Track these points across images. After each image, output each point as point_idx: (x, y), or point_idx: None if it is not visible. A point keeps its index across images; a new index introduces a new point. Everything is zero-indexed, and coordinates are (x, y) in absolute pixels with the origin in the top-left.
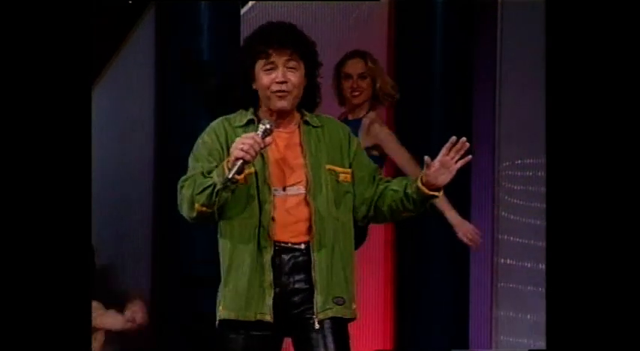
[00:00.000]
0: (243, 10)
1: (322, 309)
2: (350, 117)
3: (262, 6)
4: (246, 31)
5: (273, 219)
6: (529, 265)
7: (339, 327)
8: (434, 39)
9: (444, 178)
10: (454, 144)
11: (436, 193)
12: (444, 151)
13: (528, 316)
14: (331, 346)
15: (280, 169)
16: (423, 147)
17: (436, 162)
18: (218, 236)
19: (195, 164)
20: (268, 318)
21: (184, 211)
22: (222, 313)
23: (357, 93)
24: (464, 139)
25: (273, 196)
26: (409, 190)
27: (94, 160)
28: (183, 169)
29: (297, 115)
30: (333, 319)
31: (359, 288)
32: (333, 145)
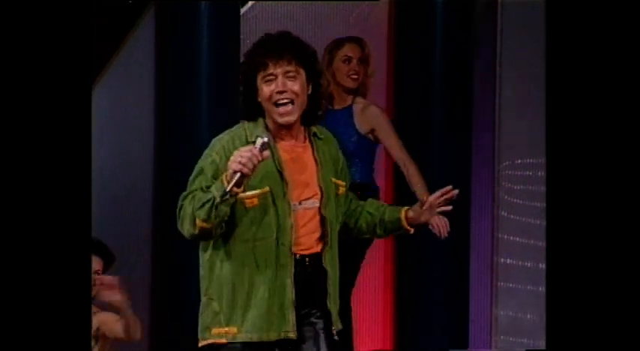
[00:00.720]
0: (243, 10)
1: (337, 319)
2: (336, 107)
3: (262, 6)
4: (246, 31)
5: (294, 235)
6: (529, 264)
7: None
8: (434, 39)
9: (426, 217)
10: (448, 192)
11: (411, 229)
12: (437, 194)
13: (528, 316)
14: None
15: (297, 183)
16: (423, 147)
17: (427, 202)
18: (224, 258)
19: (197, 181)
20: (292, 335)
21: (185, 227)
22: (240, 336)
23: (355, 76)
24: (456, 191)
25: (293, 211)
26: (386, 218)
27: (94, 160)
28: (183, 169)
29: (302, 128)
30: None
31: (359, 288)
32: (333, 159)
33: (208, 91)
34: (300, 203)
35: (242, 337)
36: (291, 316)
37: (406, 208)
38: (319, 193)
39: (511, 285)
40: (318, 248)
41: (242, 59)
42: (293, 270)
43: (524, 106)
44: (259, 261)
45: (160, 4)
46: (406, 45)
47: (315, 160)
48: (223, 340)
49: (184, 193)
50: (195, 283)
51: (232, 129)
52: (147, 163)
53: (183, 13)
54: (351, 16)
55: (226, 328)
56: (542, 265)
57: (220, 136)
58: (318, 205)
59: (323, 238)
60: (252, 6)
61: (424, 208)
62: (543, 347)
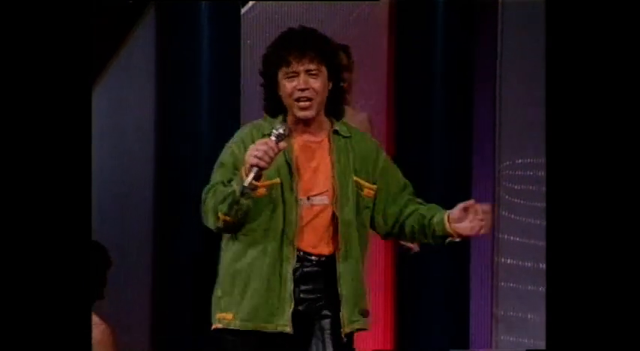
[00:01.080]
0: (243, 10)
1: (349, 322)
2: None
3: (262, 6)
4: (246, 31)
5: (298, 229)
6: (529, 264)
7: (349, 341)
8: (434, 39)
9: (464, 227)
10: (471, 206)
11: (454, 237)
12: (458, 210)
13: (529, 316)
14: None
15: (306, 178)
16: (423, 147)
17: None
18: (232, 246)
19: (219, 174)
20: (288, 329)
21: (210, 222)
22: (234, 323)
23: None
24: (481, 207)
25: (299, 205)
26: (434, 220)
27: (94, 160)
28: (184, 169)
29: (326, 123)
30: (336, 330)
31: None
32: (361, 158)
33: (209, 91)
34: (308, 199)
35: (237, 324)
36: (288, 311)
37: (448, 212)
38: (331, 191)
39: (511, 285)
40: (328, 248)
41: (265, 52)
42: (295, 264)
43: (524, 106)
44: (261, 251)
45: (160, 4)
46: (406, 45)
47: (331, 157)
48: (219, 326)
49: (207, 187)
50: (195, 281)
51: (254, 122)
52: (147, 163)
53: (183, 13)
54: (351, 16)
55: (224, 314)
56: (543, 265)
57: (242, 128)
58: (327, 202)
59: (336, 239)
60: (252, 6)
61: (458, 217)
62: (543, 347)
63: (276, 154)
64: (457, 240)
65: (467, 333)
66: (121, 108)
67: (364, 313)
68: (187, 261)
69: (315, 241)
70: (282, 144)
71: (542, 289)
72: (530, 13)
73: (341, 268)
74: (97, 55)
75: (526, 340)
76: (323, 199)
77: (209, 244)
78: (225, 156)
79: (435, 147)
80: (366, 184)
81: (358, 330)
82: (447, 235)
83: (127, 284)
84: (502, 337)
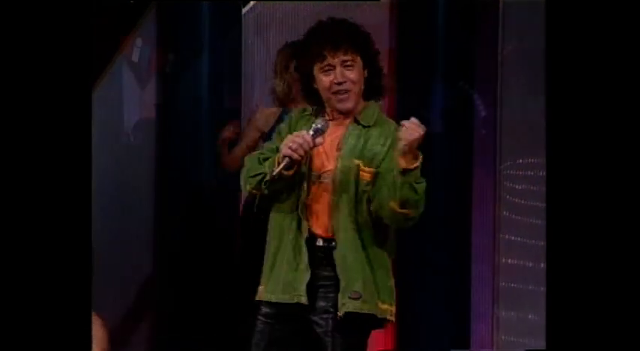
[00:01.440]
0: (244, 10)
1: (340, 305)
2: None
3: (263, 6)
4: (247, 31)
5: (307, 204)
6: (531, 264)
7: (349, 325)
8: (435, 39)
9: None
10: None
11: (403, 164)
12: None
13: (530, 316)
14: (337, 346)
15: (319, 156)
16: (423, 147)
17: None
18: (270, 221)
19: (265, 144)
20: (304, 300)
21: (241, 183)
22: (265, 295)
23: None
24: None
25: (311, 181)
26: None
27: (94, 160)
28: (184, 169)
29: (359, 108)
30: (347, 316)
31: None
32: (371, 145)
33: (209, 91)
34: (319, 176)
35: (266, 297)
36: (303, 281)
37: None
38: (332, 171)
39: (512, 285)
40: (325, 228)
41: (298, 48)
42: (307, 236)
43: (525, 106)
44: (286, 223)
45: (161, 4)
46: (407, 45)
47: (339, 142)
48: (256, 298)
49: (252, 153)
50: (195, 281)
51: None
52: (148, 163)
53: (184, 13)
54: (352, 17)
55: (261, 287)
56: (544, 265)
57: None
58: (329, 181)
59: (330, 221)
60: (253, 6)
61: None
62: (543, 347)
63: (311, 149)
64: (402, 166)
65: (467, 333)
66: (122, 108)
67: (353, 295)
68: (187, 261)
69: (316, 219)
70: (319, 139)
71: (543, 289)
72: (530, 13)
73: (336, 251)
74: (98, 54)
75: (526, 340)
76: (326, 178)
77: (209, 244)
78: (275, 130)
79: (436, 147)
80: (364, 167)
81: (360, 315)
82: (403, 171)
83: (127, 284)
84: (503, 337)
